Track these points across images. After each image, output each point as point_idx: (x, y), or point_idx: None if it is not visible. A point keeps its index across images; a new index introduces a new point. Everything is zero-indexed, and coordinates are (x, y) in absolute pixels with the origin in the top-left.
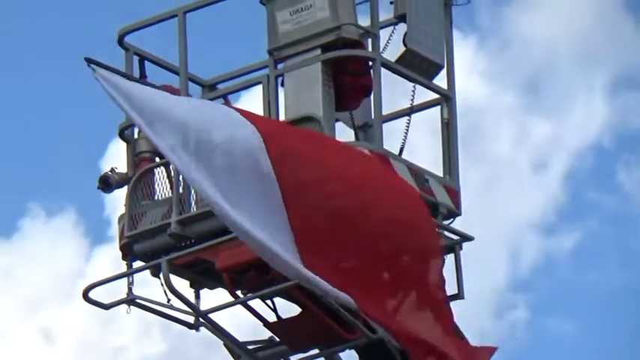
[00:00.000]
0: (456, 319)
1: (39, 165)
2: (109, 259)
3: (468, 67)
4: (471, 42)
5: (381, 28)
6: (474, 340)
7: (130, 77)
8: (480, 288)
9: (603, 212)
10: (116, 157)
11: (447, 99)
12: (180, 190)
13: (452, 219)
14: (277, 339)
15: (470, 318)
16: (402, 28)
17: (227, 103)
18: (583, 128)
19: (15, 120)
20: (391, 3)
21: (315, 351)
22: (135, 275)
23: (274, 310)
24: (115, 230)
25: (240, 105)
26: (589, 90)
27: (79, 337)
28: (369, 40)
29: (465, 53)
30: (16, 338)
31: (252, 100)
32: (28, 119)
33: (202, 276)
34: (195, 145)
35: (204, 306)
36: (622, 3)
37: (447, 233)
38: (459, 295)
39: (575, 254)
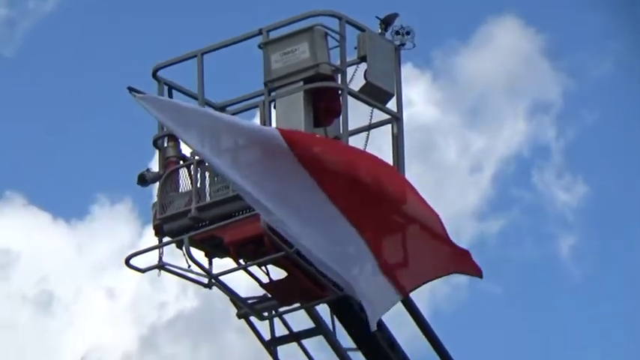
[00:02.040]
0: None
1: (105, 165)
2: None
3: (424, 96)
4: (428, 77)
5: (348, 66)
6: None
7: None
8: None
9: (522, 204)
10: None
11: (396, 119)
12: (198, 184)
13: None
14: (269, 295)
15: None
16: (363, 66)
17: None
18: (508, 142)
19: (87, 129)
20: (355, 48)
21: (297, 305)
22: (164, 247)
23: (267, 274)
24: None
25: None
26: (514, 114)
27: (133, 295)
28: (339, 75)
29: (422, 85)
30: (87, 295)
31: (251, 119)
32: (98, 130)
33: (214, 248)
34: (220, 145)
35: (215, 270)
36: (540, 51)
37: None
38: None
39: (501, 236)
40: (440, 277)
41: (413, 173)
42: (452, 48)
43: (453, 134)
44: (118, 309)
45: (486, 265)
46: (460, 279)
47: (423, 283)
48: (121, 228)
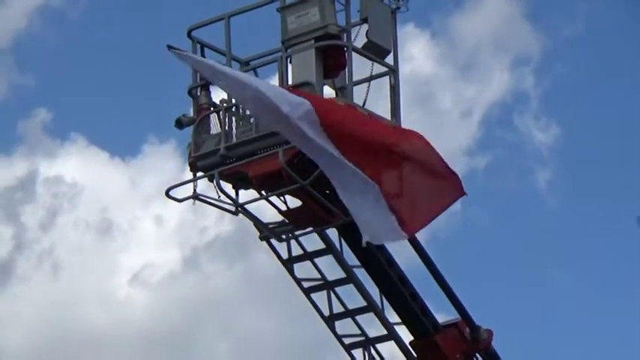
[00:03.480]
0: None
1: (153, 111)
2: None
3: (424, 52)
4: (427, 36)
5: (352, 27)
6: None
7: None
8: None
9: (505, 143)
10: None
11: (393, 71)
12: (226, 127)
13: None
14: (287, 221)
15: None
16: (364, 27)
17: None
18: (494, 90)
19: (137, 81)
20: (358, 11)
21: (310, 229)
22: (198, 181)
23: (285, 202)
24: None
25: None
26: (499, 67)
27: (178, 221)
28: (345, 35)
29: (422, 43)
30: (140, 221)
31: (272, 72)
32: (145, 81)
33: (240, 181)
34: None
35: (241, 200)
36: (522, 14)
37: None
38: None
39: (487, 170)
40: (439, 214)
41: (413, 118)
42: (448, 11)
43: (447, 84)
44: (165, 233)
45: (475, 195)
46: (455, 207)
47: (426, 224)
48: (167, 164)
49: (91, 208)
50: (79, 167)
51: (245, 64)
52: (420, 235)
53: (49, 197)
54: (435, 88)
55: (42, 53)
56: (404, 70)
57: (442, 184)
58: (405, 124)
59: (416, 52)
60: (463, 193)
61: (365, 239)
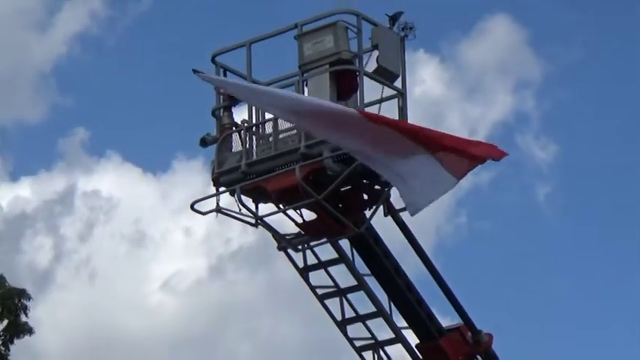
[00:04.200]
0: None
1: (182, 130)
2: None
3: (433, 75)
4: (436, 61)
5: (364, 53)
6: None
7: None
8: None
9: (508, 160)
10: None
11: (401, 94)
12: (247, 146)
13: None
14: (302, 232)
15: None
16: (375, 53)
17: None
18: (498, 111)
19: (166, 104)
20: (370, 39)
21: (324, 240)
22: (221, 195)
23: (301, 215)
24: None
25: None
26: (503, 90)
27: (205, 232)
28: (357, 60)
29: (431, 67)
30: (169, 232)
31: None
32: (174, 105)
33: (260, 196)
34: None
35: (260, 213)
36: (525, 41)
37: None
38: None
39: (492, 184)
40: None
41: None
42: (456, 38)
43: (455, 105)
44: (193, 244)
45: (480, 209)
46: (462, 219)
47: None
48: (195, 179)
49: (125, 220)
50: (114, 182)
51: None
52: (428, 244)
53: (87, 210)
54: (444, 108)
55: (81, 76)
56: (415, 92)
57: (480, 146)
58: None
59: (426, 75)
60: (503, 154)
61: (414, 210)
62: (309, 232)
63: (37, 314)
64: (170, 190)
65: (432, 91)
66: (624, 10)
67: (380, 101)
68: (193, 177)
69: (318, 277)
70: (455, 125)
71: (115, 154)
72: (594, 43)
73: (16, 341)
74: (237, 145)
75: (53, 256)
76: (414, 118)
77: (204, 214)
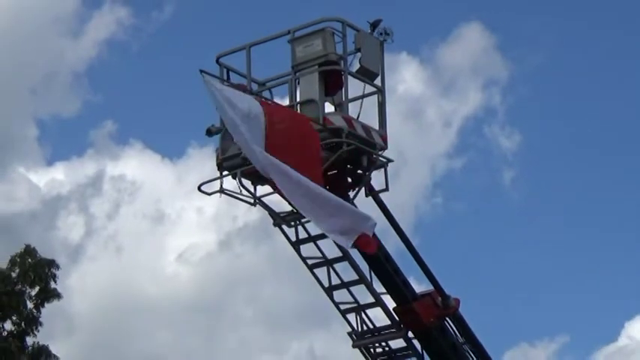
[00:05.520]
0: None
1: (195, 121)
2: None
3: (414, 74)
4: (417, 62)
5: (348, 55)
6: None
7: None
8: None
9: (477, 148)
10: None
11: (380, 91)
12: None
13: (383, 150)
14: (294, 210)
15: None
16: (358, 55)
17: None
18: (469, 106)
19: (176, 99)
20: (353, 42)
21: None
22: (224, 178)
23: None
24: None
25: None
26: (474, 87)
27: (215, 211)
28: (342, 61)
29: (412, 67)
30: (185, 211)
31: (283, 91)
32: (186, 99)
33: (258, 178)
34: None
35: (258, 194)
36: (494, 46)
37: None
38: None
39: (463, 169)
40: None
41: (406, 128)
42: (434, 42)
43: (432, 101)
44: (204, 221)
45: (453, 191)
46: (438, 199)
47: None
48: (206, 164)
49: (147, 200)
50: (137, 167)
51: (262, 85)
52: (408, 221)
53: (114, 192)
54: (423, 104)
55: (109, 76)
56: (399, 89)
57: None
58: (397, 133)
59: (408, 75)
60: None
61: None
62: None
63: (69, 282)
64: (185, 174)
65: (412, 89)
66: (580, 20)
67: (362, 97)
68: (205, 162)
69: (308, 250)
70: (432, 118)
71: (138, 142)
72: (553, 48)
73: (46, 305)
74: None
75: (84, 232)
76: (397, 112)
77: (209, 194)
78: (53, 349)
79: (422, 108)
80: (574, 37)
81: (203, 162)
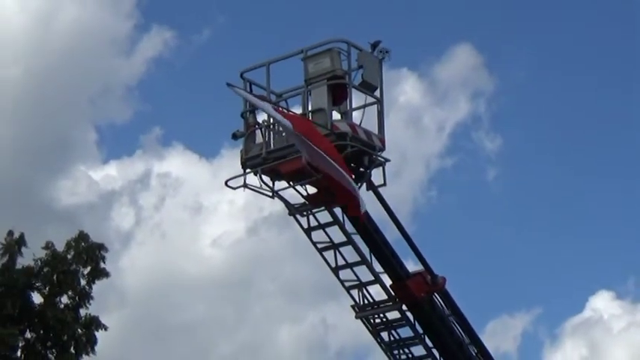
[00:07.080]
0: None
1: (228, 126)
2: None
3: (413, 87)
4: (415, 76)
5: (352, 71)
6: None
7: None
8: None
9: (466, 149)
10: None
11: (379, 101)
12: (266, 139)
13: (381, 151)
14: (307, 202)
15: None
16: (360, 71)
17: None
18: (458, 114)
19: (211, 110)
20: (356, 60)
21: (323, 207)
22: (247, 175)
23: (306, 190)
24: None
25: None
26: (464, 98)
27: (244, 203)
28: (347, 76)
29: (411, 81)
30: (219, 204)
31: (297, 101)
32: (217, 109)
33: (275, 176)
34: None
35: (276, 188)
36: (481, 63)
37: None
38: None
39: (454, 168)
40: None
41: (406, 133)
42: (430, 61)
43: (428, 110)
44: (235, 211)
45: (446, 185)
46: (433, 192)
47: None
48: (236, 163)
49: (188, 194)
50: (179, 166)
51: (279, 96)
52: (406, 212)
53: (160, 187)
54: (421, 112)
55: (156, 89)
56: (400, 100)
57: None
58: (399, 136)
59: (407, 87)
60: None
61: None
62: (311, 202)
63: (121, 264)
64: (219, 171)
65: (412, 99)
66: (556, 42)
67: (364, 106)
68: (235, 161)
69: (318, 235)
70: (428, 124)
71: (180, 144)
72: (531, 65)
73: (97, 282)
74: (259, 138)
75: (134, 222)
76: (399, 118)
77: (234, 188)
78: (104, 320)
79: (419, 115)
80: (550, 56)
81: (234, 161)
